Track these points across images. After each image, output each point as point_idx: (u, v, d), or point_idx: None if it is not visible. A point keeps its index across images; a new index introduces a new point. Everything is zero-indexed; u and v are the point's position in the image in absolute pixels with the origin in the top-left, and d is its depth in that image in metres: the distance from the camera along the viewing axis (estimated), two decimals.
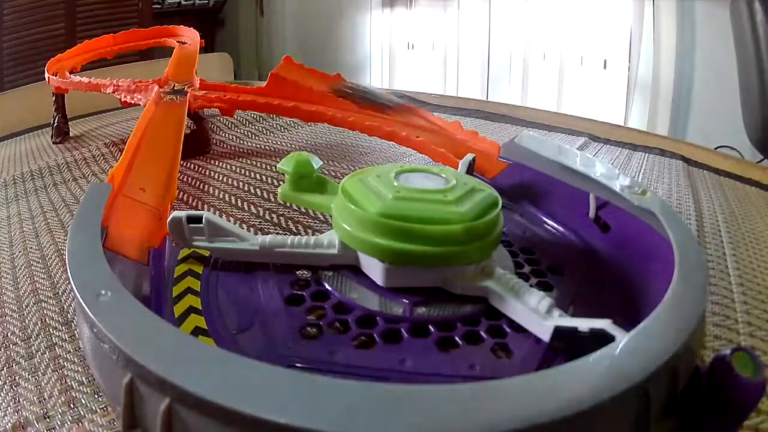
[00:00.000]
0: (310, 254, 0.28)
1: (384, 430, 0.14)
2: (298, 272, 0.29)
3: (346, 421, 0.14)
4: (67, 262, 0.22)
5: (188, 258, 0.31)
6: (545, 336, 0.22)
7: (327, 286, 0.27)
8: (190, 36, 0.92)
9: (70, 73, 0.87)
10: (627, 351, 0.17)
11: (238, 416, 0.14)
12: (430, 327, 0.24)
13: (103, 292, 0.20)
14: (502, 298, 0.25)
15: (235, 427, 0.14)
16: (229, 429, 0.15)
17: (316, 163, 0.32)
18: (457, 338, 0.24)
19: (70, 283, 0.21)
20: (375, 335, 0.24)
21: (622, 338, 0.18)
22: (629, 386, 0.15)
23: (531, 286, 0.28)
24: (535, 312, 0.23)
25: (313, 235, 0.31)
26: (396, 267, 0.26)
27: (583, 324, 0.21)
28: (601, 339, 0.20)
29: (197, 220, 0.28)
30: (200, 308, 0.26)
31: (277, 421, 0.14)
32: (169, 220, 0.29)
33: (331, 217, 0.29)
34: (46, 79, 0.83)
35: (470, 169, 0.39)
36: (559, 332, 0.22)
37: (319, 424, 0.14)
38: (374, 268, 0.27)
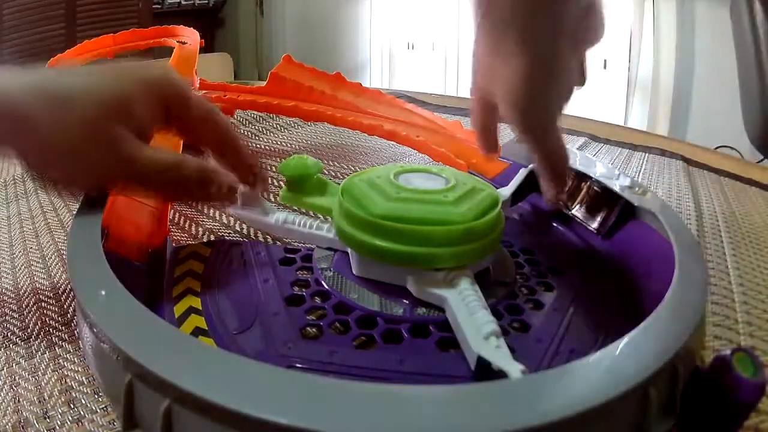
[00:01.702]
0: (313, 234, 0.31)
1: (383, 431, 0.14)
2: (298, 273, 0.29)
3: (346, 421, 0.14)
4: (67, 262, 0.22)
5: (188, 258, 0.31)
6: (471, 362, 0.21)
7: (327, 287, 0.27)
8: (190, 36, 0.92)
9: None
10: (627, 351, 0.17)
11: (238, 417, 0.14)
12: (431, 327, 0.24)
13: (103, 292, 0.20)
14: (452, 312, 0.24)
15: (234, 427, 0.14)
16: (228, 430, 0.15)
17: (315, 165, 0.32)
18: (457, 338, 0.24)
19: (70, 283, 0.21)
20: (375, 335, 0.24)
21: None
22: (629, 387, 0.15)
23: (531, 287, 0.28)
24: (473, 335, 0.22)
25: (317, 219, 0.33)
26: (368, 259, 0.26)
27: (498, 362, 0.20)
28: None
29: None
30: (200, 308, 0.26)
31: (276, 422, 0.14)
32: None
33: (331, 218, 0.30)
34: None
35: (526, 183, 0.37)
36: (480, 362, 0.21)
37: (319, 425, 0.14)
38: (352, 256, 0.28)
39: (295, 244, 0.37)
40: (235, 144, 0.31)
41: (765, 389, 0.17)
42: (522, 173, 0.37)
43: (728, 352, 0.18)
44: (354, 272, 0.28)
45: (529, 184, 0.37)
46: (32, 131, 0.26)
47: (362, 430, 0.14)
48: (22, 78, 0.27)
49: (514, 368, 0.19)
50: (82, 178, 0.27)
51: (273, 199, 0.52)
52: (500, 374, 0.19)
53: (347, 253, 0.29)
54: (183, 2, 1.85)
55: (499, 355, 0.21)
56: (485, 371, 0.20)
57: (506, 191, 0.36)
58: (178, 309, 0.26)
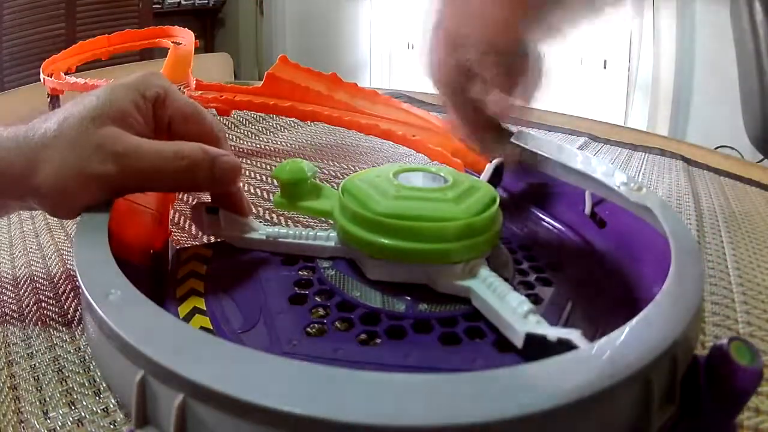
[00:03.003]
0: (311, 246, 0.30)
1: (400, 419, 0.14)
2: (300, 272, 0.29)
3: (365, 411, 0.14)
4: (75, 261, 0.22)
5: (191, 259, 0.31)
6: (518, 342, 0.22)
7: (330, 285, 0.28)
8: (185, 36, 0.92)
9: (66, 74, 0.87)
10: (628, 339, 0.17)
11: (253, 409, 0.14)
12: (433, 323, 0.25)
13: (112, 291, 0.20)
14: (482, 299, 0.24)
15: (250, 420, 0.14)
16: (244, 422, 0.15)
17: (310, 169, 0.31)
18: (459, 333, 0.24)
19: (77, 281, 0.21)
20: (378, 332, 0.24)
21: (624, 327, 0.18)
22: (631, 374, 0.16)
23: (530, 282, 0.29)
24: (511, 316, 0.23)
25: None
26: (383, 261, 0.26)
27: (553, 333, 0.21)
28: (569, 348, 0.20)
29: (215, 210, 0.31)
30: (204, 309, 0.26)
31: (293, 412, 0.14)
32: (192, 207, 0.32)
33: (326, 221, 0.29)
34: (41, 80, 0.82)
35: (497, 176, 0.39)
36: (529, 339, 0.21)
37: (336, 415, 0.14)
38: (363, 261, 0.27)
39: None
40: (221, 143, 0.32)
41: (762, 376, 0.17)
42: (489, 168, 0.38)
43: (725, 341, 0.18)
44: (369, 277, 0.27)
45: (498, 178, 0.39)
46: (47, 160, 0.27)
47: (383, 420, 0.14)
48: (18, 131, 0.28)
49: (573, 335, 0.20)
50: (92, 189, 0.27)
51: (272, 199, 0.52)
52: (549, 349, 0.20)
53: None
54: (183, 2, 1.85)
55: (546, 328, 0.21)
56: (534, 348, 0.21)
57: None
58: (183, 309, 0.26)
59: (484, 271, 0.26)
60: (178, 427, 0.16)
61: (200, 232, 0.40)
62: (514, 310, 0.23)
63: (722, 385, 0.18)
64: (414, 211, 0.26)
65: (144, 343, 0.17)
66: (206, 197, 0.33)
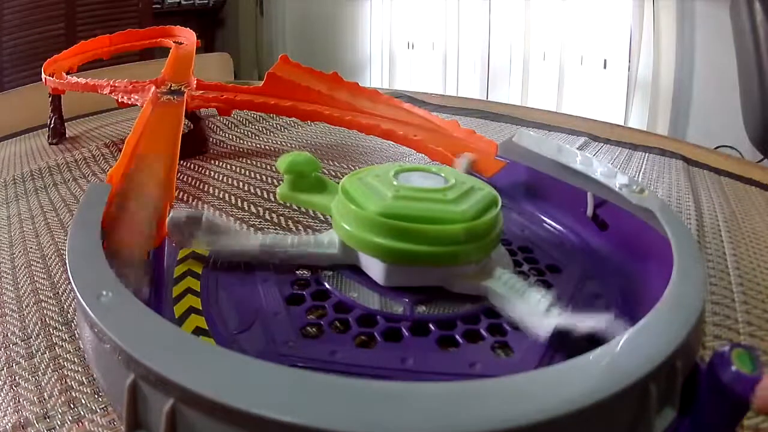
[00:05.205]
0: (310, 254, 0.29)
1: (389, 428, 0.14)
2: (298, 272, 0.29)
3: (351, 419, 0.14)
4: (67, 262, 0.22)
5: (187, 258, 0.30)
6: (545, 335, 0.22)
7: (327, 286, 0.27)
8: (187, 36, 0.92)
9: (67, 73, 0.87)
10: (627, 348, 0.17)
11: (243, 416, 0.14)
12: (431, 326, 0.24)
13: (104, 292, 0.20)
14: (502, 298, 0.25)
15: (240, 426, 0.14)
16: (234, 429, 0.15)
17: (314, 162, 0.31)
18: (457, 337, 0.24)
19: (70, 283, 0.21)
20: (376, 334, 0.24)
21: (622, 335, 0.18)
22: (630, 383, 0.16)
23: (530, 284, 0.29)
24: (535, 311, 0.23)
25: (312, 234, 0.30)
26: (396, 266, 0.26)
27: (582, 322, 0.21)
28: (600, 337, 0.20)
29: (197, 220, 0.29)
30: (200, 308, 0.26)
31: (281, 420, 0.14)
32: (168, 219, 0.29)
33: (330, 217, 0.29)
34: (43, 79, 0.82)
35: (469, 169, 0.39)
36: (558, 331, 0.22)
37: (325, 423, 0.14)
38: (374, 268, 0.27)
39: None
40: None
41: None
42: (464, 164, 0.39)
43: (727, 348, 0.18)
44: (380, 282, 0.27)
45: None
46: None
47: (368, 427, 0.14)
48: None
49: (601, 320, 0.20)
50: None
51: (272, 199, 0.52)
52: (577, 340, 0.21)
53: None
54: (183, 2, 1.84)
55: (573, 319, 0.22)
56: (562, 340, 0.22)
57: None
58: (178, 309, 0.26)
59: (498, 270, 0.26)
60: (169, 431, 0.16)
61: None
62: (535, 306, 0.23)
63: (723, 394, 0.17)
64: (415, 213, 0.25)
65: (135, 347, 0.17)
66: (183, 208, 0.31)
